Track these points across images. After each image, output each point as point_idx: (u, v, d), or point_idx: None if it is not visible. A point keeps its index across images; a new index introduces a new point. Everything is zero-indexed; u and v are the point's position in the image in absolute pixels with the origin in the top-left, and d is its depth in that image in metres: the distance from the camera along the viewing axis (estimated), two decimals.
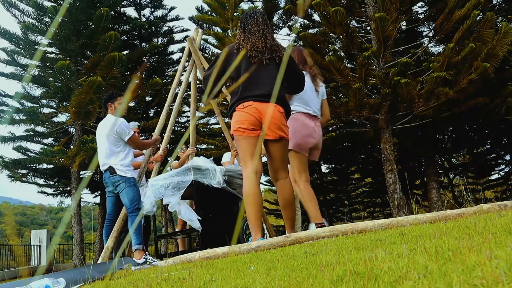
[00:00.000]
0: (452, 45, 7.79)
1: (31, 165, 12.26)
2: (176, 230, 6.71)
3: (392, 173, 8.62)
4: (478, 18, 8.02)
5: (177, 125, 15.07)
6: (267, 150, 3.04)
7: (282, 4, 12.39)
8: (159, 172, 5.34)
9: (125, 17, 15.26)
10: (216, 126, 13.63)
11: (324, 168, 15.02)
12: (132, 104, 14.23)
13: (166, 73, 15.92)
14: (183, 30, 16.25)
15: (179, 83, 5.72)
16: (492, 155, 13.63)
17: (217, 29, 12.87)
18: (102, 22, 11.71)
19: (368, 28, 9.50)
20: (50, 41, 11.98)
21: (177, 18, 16.16)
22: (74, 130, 11.94)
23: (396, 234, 1.95)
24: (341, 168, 15.11)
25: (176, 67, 15.60)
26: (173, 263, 2.58)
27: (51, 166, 12.53)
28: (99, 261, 4.19)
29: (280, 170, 3.03)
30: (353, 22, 10.47)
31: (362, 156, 14.62)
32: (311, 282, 1.01)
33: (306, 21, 11.64)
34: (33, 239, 12.32)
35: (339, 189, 15.61)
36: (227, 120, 6.60)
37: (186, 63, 5.82)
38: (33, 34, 11.81)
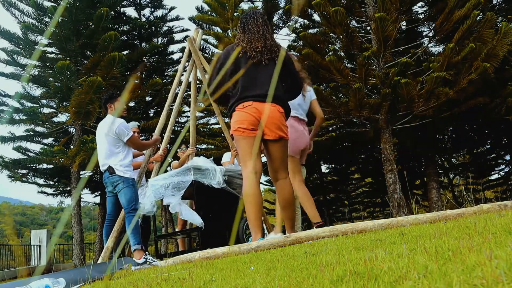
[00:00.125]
0: (452, 45, 7.79)
1: (31, 165, 12.26)
2: (176, 230, 6.70)
3: (392, 173, 8.62)
4: (478, 18, 8.01)
5: (177, 125, 15.07)
6: (267, 150, 3.04)
7: (282, 4, 12.40)
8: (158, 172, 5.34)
9: (125, 17, 15.26)
10: (216, 126, 13.63)
11: (324, 168, 15.04)
12: (132, 104, 14.24)
13: (166, 73, 15.92)
14: (183, 30, 16.26)
15: (179, 83, 5.73)
16: (492, 155, 13.63)
17: (217, 29, 12.88)
18: (102, 22, 11.71)
19: (368, 28, 9.50)
20: (50, 41, 11.98)
21: (177, 18, 16.16)
22: (74, 130, 11.94)
23: (396, 234, 1.95)
24: (341, 168, 15.12)
25: (176, 67, 15.61)
26: (173, 263, 2.58)
27: (51, 166, 12.54)
28: (99, 261, 4.19)
29: (280, 170, 3.03)
30: (353, 22, 10.47)
31: (362, 156, 14.63)
32: (311, 282, 1.01)
33: (306, 21, 11.64)
34: (33, 239, 12.32)
35: (339, 189, 15.62)
36: (227, 120, 6.60)
37: (186, 63, 5.82)
38: (33, 34, 11.80)
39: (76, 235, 11.62)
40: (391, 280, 0.88)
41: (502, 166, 13.79)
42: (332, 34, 9.49)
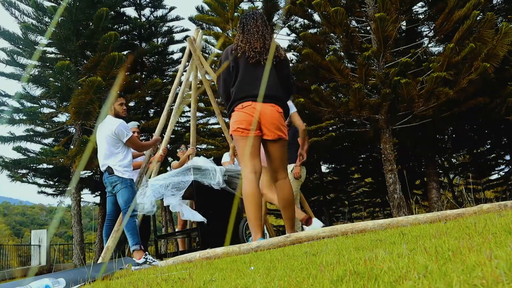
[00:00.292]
0: (452, 45, 7.79)
1: (31, 165, 12.26)
2: (176, 230, 6.71)
3: (392, 173, 8.62)
4: (478, 18, 8.01)
5: (177, 125, 15.06)
6: (266, 150, 3.04)
7: (282, 4, 12.38)
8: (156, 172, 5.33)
9: (125, 17, 15.26)
10: (216, 126, 13.62)
11: (324, 168, 15.03)
12: (132, 104, 14.24)
13: (166, 73, 15.92)
14: (183, 30, 16.25)
15: (180, 83, 5.73)
16: (492, 155, 13.63)
17: (217, 29, 12.87)
18: (102, 22, 11.71)
19: (368, 28, 9.50)
20: (50, 41, 11.98)
21: (177, 18, 16.15)
22: (74, 130, 11.94)
23: (396, 234, 1.95)
24: (341, 168, 15.11)
25: (176, 67, 15.60)
26: (173, 263, 2.58)
27: (51, 166, 12.53)
28: (99, 261, 4.19)
29: (279, 170, 3.03)
30: (353, 22, 10.47)
31: (362, 156, 14.62)
32: (311, 282, 1.01)
33: (306, 21, 11.64)
34: (33, 239, 12.31)
35: (339, 189, 15.61)
36: (227, 120, 6.60)
37: (187, 63, 5.83)
38: (33, 34, 11.79)
39: (76, 235, 11.62)
40: (391, 280, 0.88)
41: (502, 166, 13.80)
42: (332, 34, 9.49)
